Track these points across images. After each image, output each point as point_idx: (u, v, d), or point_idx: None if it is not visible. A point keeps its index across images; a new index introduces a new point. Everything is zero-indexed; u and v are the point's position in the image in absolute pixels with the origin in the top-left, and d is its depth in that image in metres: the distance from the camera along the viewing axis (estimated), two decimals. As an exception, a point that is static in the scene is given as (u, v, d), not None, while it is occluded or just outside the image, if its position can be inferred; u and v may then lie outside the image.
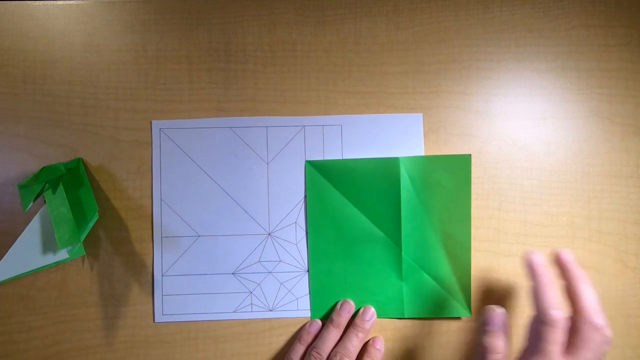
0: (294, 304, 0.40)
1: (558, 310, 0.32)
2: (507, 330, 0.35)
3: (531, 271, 0.34)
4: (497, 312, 0.36)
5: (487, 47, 0.41)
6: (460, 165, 0.39)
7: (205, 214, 0.40)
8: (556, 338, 0.31)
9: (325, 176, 0.40)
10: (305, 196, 0.40)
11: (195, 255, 0.39)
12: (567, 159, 0.40)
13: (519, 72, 0.41)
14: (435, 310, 0.39)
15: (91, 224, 0.37)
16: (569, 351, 0.32)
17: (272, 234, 0.40)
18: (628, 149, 0.40)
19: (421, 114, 0.40)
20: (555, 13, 0.41)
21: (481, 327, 0.36)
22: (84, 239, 0.37)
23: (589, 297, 0.33)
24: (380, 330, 0.40)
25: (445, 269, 0.39)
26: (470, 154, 0.39)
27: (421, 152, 0.40)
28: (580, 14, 0.41)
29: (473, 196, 0.39)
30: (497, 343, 0.34)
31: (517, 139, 0.40)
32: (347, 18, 0.41)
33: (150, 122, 0.40)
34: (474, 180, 0.40)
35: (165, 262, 0.39)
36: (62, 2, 0.40)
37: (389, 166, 0.39)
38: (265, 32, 0.40)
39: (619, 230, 0.40)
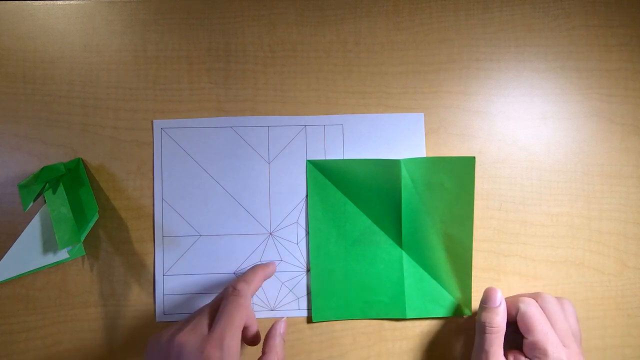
0: (295, 304, 0.40)
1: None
2: (504, 310, 0.36)
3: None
4: (495, 290, 0.36)
5: (487, 47, 0.41)
6: (464, 167, 0.39)
7: (206, 214, 0.39)
8: None
9: (326, 176, 0.40)
10: (307, 196, 0.40)
11: (197, 254, 0.39)
12: (567, 159, 0.40)
13: (519, 72, 0.41)
14: (436, 309, 0.39)
15: (91, 224, 0.37)
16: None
17: (273, 234, 0.40)
18: (628, 149, 0.41)
19: (423, 114, 0.40)
20: (555, 13, 0.41)
21: (480, 305, 0.36)
22: (84, 239, 0.37)
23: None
24: (380, 330, 0.39)
25: (446, 269, 0.39)
26: (475, 157, 0.39)
27: (423, 151, 0.40)
28: (580, 14, 0.41)
29: (473, 196, 0.39)
30: (494, 319, 0.35)
31: (517, 139, 0.40)
32: (347, 18, 0.41)
33: (152, 122, 0.40)
34: (474, 180, 0.40)
35: (166, 261, 0.39)
36: (62, 2, 0.40)
37: (390, 167, 0.39)
38: (265, 32, 0.40)
39: (619, 230, 0.40)
